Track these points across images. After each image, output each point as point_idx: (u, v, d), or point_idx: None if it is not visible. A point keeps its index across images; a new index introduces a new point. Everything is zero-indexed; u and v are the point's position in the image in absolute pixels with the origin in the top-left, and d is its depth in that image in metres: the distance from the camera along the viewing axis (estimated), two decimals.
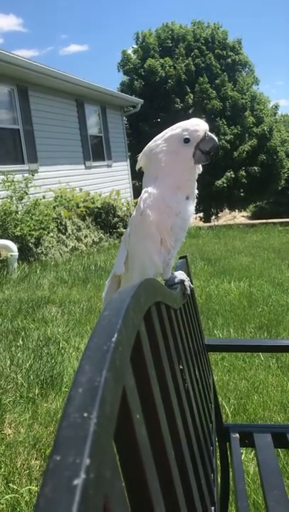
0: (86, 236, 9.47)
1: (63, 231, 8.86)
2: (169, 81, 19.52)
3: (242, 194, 20.56)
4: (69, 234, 8.95)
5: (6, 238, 7.24)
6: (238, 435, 1.64)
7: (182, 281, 1.25)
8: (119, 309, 0.43)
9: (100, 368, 0.32)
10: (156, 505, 0.40)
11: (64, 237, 8.78)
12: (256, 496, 1.92)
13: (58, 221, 8.75)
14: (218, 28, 20.89)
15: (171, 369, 0.71)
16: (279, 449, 1.98)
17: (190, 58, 19.89)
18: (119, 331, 0.38)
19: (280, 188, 22.07)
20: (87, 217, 9.87)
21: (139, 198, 1.20)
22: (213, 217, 21.69)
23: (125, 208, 10.99)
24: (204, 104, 19.44)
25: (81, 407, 0.29)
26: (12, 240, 7.19)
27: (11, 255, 6.90)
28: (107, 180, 12.74)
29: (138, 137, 18.56)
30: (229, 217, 25.40)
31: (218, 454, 1.67)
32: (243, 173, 19.86)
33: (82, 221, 9.65)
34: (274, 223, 13.65)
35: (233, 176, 19.57)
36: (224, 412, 2.59)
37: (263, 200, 24.67)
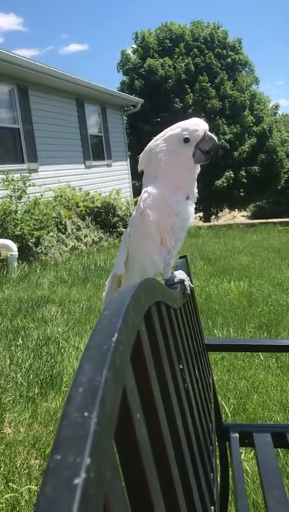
0: (86, 235, 9.47)
1: (63, 230, 8.86)
2: (169, 81, 19.51)
3: (242, 194, 20.55)
4: (69, 233, 8.95)
5: (6, 237, 7.24)
6: (237, 435, 1.64)
7: (182, 281, 1.25)
8: (119, 309, 0.43)
9: (101, 368, 0.32)
10: (156, 505, 0.41)
11: (64, 236, 8.77)
12: (256, 496, 1.93)
13: (58, 220, 8.74)
14: (217, 28, 20.86)
15: (171, 369, 0.71)
16: (278, 449, 1.98)
17: (190, 58, 19.88)
18: (119, 330, 0.38)
19: (279, 187, 22.06)
20: (86, 217, 9.87)
21: (139, 198, 1.19)
22: (213, 216, 21.67)
23: (125, 208, 10.98)
24: (204, 103, 19.43)
25: (81, 407, 0.29)
26: (12, 240, 7.19)
27: (11, 255, 6.91)
28: (107, 180, 12.74)
29: (138, 137, 18.53)
30: (229, 216, 25.39)
31: (217, 453, 1.67)
32: (243, 172, 19.85)
33: (82, 220, 9.65)
34: (274, 223, 13.65)
35: (232, 175, 19.56)
36: (224, 412, 2.59)
37: (262, 200, 24.66)
